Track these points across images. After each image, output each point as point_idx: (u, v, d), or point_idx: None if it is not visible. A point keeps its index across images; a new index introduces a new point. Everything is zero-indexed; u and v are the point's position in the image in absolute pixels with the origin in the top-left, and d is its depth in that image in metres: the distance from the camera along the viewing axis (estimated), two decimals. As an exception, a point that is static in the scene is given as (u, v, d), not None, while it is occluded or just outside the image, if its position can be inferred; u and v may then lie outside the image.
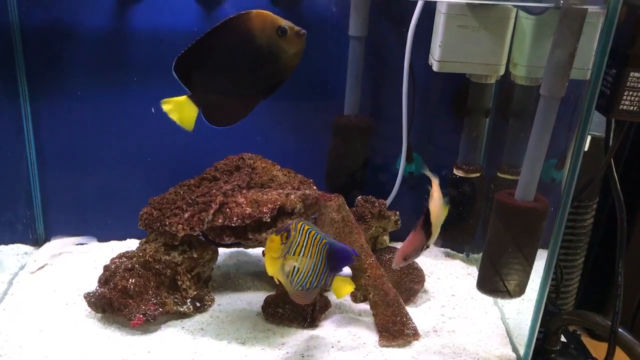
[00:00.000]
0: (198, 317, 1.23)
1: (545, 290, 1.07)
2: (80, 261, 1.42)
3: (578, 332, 1.36)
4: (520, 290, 1.14)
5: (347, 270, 1.16)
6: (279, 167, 1.34)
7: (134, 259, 1.21)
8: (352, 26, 1.32)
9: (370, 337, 1.19)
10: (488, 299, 1.34)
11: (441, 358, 1.15)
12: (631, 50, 0.92)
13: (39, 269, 1.37)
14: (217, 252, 1.30)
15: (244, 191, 1.22)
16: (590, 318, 1.20)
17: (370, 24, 1.33)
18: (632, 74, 0.93)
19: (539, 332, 1.21)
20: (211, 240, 1.24)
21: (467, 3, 1.18)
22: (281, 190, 1.23)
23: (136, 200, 1.27)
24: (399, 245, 1.47)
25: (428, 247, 1.06)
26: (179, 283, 1.22)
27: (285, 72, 0.97)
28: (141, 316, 1.15)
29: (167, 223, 1.18)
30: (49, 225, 1.49)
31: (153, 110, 1.32)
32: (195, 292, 1.24)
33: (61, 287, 1.31)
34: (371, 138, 1.45)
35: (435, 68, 1.26)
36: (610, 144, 1.07)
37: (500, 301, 1.33)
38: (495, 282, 1.13)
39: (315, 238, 0.99)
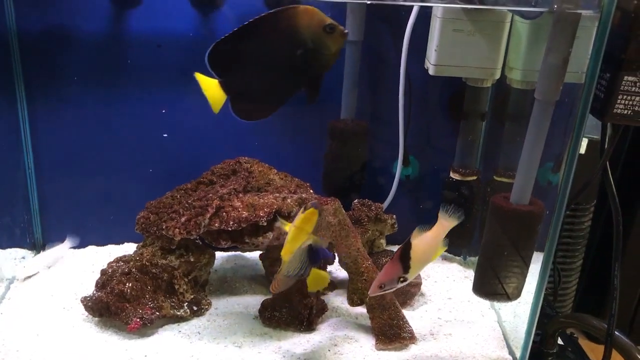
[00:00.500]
0: (195, 321, 1.23)
1: (541, 293, 1.08)
2: (77, 265, 1.42)
3: (575, 335, 1.36)
4: (516, 294, 1.14)
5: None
6: (276, 170, 1.34)
7: (131, 263, 1.21)
8: (348, 30, 1.32)
9: (367, 340, 1.20)
10: (485, 302, 1.34)
11: (438, 361, 1.15)
12: (625, 54, 0.92)
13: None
14: (214, 256, 1.30)
15: (241, 195, 1.22)
16: (587, 321, 1.21)
17: (367, 28, 1.33)
18: (626, 77, 0.93)
19: (536, 334, 1.22)
20: (208, 244, 1.25)
21: (462, 7, 1.19)
22: (278, 194, 1.24)
23: (133, 204, 1.27)
24: (395, 248, 1.48)
25: (405, 280, 1.02)
26: (176, 287, 1.22)
27: (323, 69, 0.97)
28: (138, 320, 1.15)
29: (164, 227, 1.18)
30: (47, 229, 1.49)
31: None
32: (192, 296, 1.25)
33: (58, 291, 1.31)
34: (368, 142, 1.45)
35: (431, 72, 1.27)
36: (606, 147, 1.07)
37: (496, 304, 1.33)
38: (491, 285, 1.13)
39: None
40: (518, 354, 1.16)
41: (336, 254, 1.27)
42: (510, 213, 1.07)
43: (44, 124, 1.40)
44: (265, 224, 1.19)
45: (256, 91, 0.99)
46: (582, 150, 1.43)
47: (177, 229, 1.17)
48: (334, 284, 1.37)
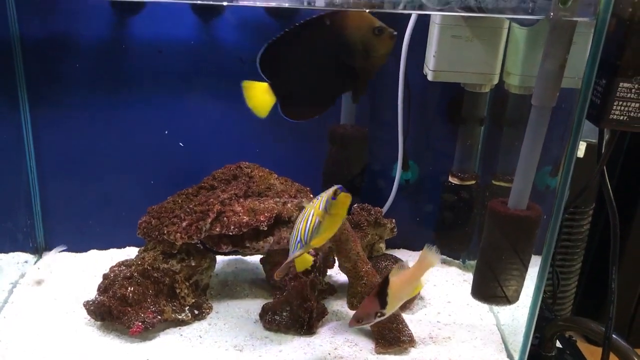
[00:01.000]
0: (196, 325, 1.24)
1: (539, 297, 1.08)
2: (80, 269, 1.43)
3: (574, 338, 1.37)
4: (515, 297, 1.15)
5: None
6: (276, 175, 1.35)
7: (133, 268, 1.22)
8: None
9: (367, 344, 1.20)
10: (483, 306, 1.35)
11: (437, 364, 1.16)
12: (620, 61, 0.93)
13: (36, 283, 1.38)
14: (215, 260, 1.31)
15: (241, 200, 1.23)
16: (585, 324, 1.21)
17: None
18: (621, 84, 0.94)
19: (535, 338, 1.23)
20: (209, 248, 1.26)
21: (460, 15, 1.20)
22: (278, 199, 1.25)
23: (135, 209, 1.28)
24: (395, 252, 1.50)
25: (382, 315, 1.03)
26: (177, 291, 1.23)
27: (372, 70, 0.98)
28: (140, 324, 1.16)
29: (165, 232, 1.19)
30: (49, 234, 1.50)
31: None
32: (193, 300, 1.25)
33: (61, 295, 1.32)
34: (367, 146, 1.46)
35: (429, 77, 1.28)
36: (603, 151, 1.08)
37: (495, 308, 1.34)
38: (489, 289, 1.14)
39: (308, 220, 0.97)
40: (516, 357, 1.17)
41: (336, 258, 1.28)
42: (508, 218, 1.08)
43: (47, 128, 1.41)
44: (265, 228, 1.20)
45: (305, 92, 1.00)
46: (581, 154, 1.45)
47: (178, 234, 1.18)
48: (334, 288, 1.38)
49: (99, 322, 1.22)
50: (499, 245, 1.10)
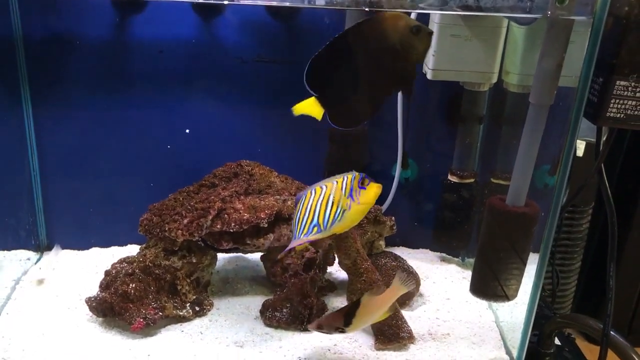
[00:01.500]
0: (197, 321, 1.25)
1: (537, 294, 1.09)
2: (82, 266, 1.45)
3: (573, 336, 1.38)
4: (513, 294, 1.15)
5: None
6: (277, 173, 1.36)
7: (135, 264, 1.23)
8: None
9: (366, 340, 1.21)
10: (482, 303, 1.36)
11: (436, 361, 1.17)
12: (617, 59, 0.94)
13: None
14: (216, 257, 1.33)
15: (242, 197, 1.24)
16: (583, 321, 1.22)
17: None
18: (618, 82, 0.95)
19: (534, 335, 1.23)
20: (210, 245, 1.27)
21: (459, 14, 1.21)
22: (278, 197, 1.26)
23: (137, 206, 1.29)
24: (394, 250, 1.51)
25: (343, 332, 1.06)
26: (179, 287, 1.24)
27: (413, 69, 1.00)
28: (141, 320, 1.17)
29: (166, 229, 1.20)
30: (51, 231, 1.51)
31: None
32: (194, 297, 1.27)
33: (63, 291, 1.33)
34: (367, 145, 1.47)
35: (429, 76, 1.29)
36: (601, 150, 1.09)
37: (494, 305, 1.35)
38: (488, 285, 1.15)
39: (329, 205, 0.96)
40: (515, 354, 1.18)
41: (336, 255, 1.29)
42: (506, 214, 1.08)
43: (49, 127, 1.42)
44: (266, 225, 1.21)
45: (351, 101, 1.02)
46: (580, 153, 1.45)
47: (179, 231, 1.19)
48: (333, 285, 1.39)
49: (100, 319, 1.23)
50: (497, 242, 1.11)
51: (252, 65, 1.40)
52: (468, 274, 1.50)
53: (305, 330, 1.23)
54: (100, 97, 1.41)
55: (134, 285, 1.19)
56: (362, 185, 0.95)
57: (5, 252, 1.45)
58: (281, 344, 1.19)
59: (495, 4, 1.00)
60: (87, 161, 1.46)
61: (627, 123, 0.98)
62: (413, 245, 1.61)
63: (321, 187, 0.97)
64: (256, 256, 1.44)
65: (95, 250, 1.53)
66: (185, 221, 1.19)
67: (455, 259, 1.58)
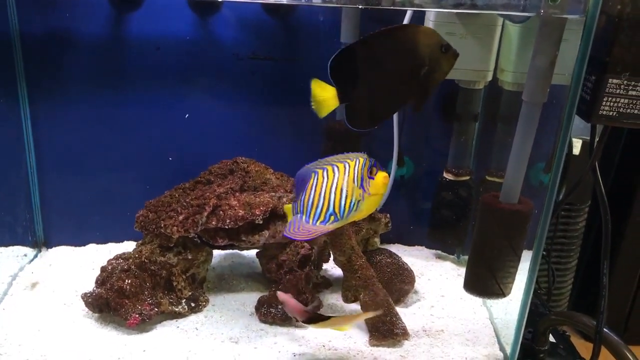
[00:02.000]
0: (193, 317, 1.26)
1: (530, 291, 1.10)
2: (78, 263, 1.45)
3: (567, 333, 1.38)
4: (506, 291, 1.16)
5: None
6: (272, 170, 1.36)
7: (131, 260, 1.23)
8: (343, 33, 1.35)
9: (361, 336, 1.22)
10: (477, 300, 1.36)
11: (429, 357, 1.17)
12: (609, 57, 0.95)
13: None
14: (211, 253, 1.33)
15: (237, 194, 1.25)
16: (577, 318, 1.22)
17: (361, 31, 1.36)
18: (610, 80, 0.96)
19: (529, 332, 1.24)
20: (205, 242, 1.27)
21: (454, 12, 1.21)
22: (273, 193, 1.26)
23: (133, 203, 1.30)
24: (389, 247, 1.51)
25: (297, 321, 1.11)
26: (174, 284, 1.25)
27: (433, 86, 1.01)
28: (137, 316, 1.18)
29: (162, 225, 1.21)
30: (48, 227, 1.52)
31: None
32: (190, 293, 1.27)
33: (59, 287, 1.34)
34: (362, 142, 1.47)
35: (424, 74, 1.29)
36: (595, 147, 1.09)
37: (488, 302, 1.36)
38: (481, 282, 1.16)
39: (343, 195, 0.96)
40: (509, 350, 1.18)
41: (331, 252, 1.29)
42: (499, 211, 1.09)
43: (46, 123, 1.43)
44: (261, 222, 1.21)
45: (369, 102, 1.02)
46: (577, 151, 1.46)
47: (175, 227, 1.19)
48: (329, 282, 1.39)
49: (96, 314, 1.23)
50: (491, 238, 1.11)
51: (247, 62, 1.40)
52: (463, 271, 1.48)
53: (300, 326, 1.23)
54: (98, 94, 1.41)
55: (129, 281, 1.20)
56: (370, 175, 0.96)
57: (2, 248, 1.46)
58: (276, 339, 1.20)
59: (489, 2, 1.00)
60: (84, 158, 1.46)
61: (620, 121, 0.99)
62: (408, 242, 1.61)
63: (333, 171, 0.97)
64: (252, 253, 1.45)
65: (91, 247, 1.53)
66: (181, 217, 1.20)
67: (451, 257, 1.58)
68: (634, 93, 0.96)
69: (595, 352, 1.18)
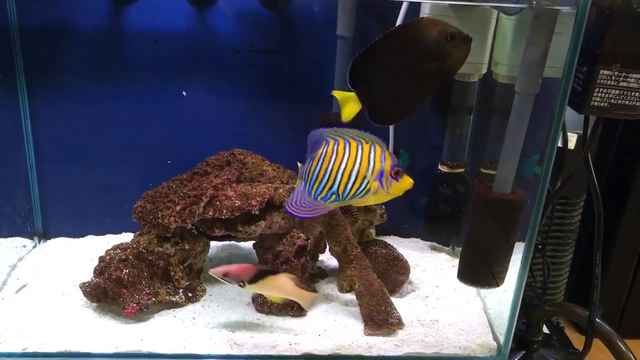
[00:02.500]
0: (190, 307, 1.27)
1: (523, 281, 1.11)
2: (77, 253, 1.46)
3: (562, 325, 1.40)
4: (499, 280, 1.17)
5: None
6: (269, 162, 1.37)
7: (128, 251, 1.24)
8: (339, 26, 1.35)
9: (356, 325, 1.23)
10: (471, 290, 1.38)
11: (424, 346, 1.19)
12: (600, 49, 0.96)
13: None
14: (208, 244, 1.34)
15: (234, 185, 1.26)
16: (570, 309, 1.24)
17: (357, 24, 1.37)
18: (602, 71, 0.97)
19: (522, 323, 1.25)
20: (202, 232, 1.28)
21: (449, 4, 1.22)
22: (270, 184, 1.27)
23: (132, 195, 1.31)
24: (385, 238, 1.52)
25: (243, 286, 1.13)
26: (172, 274, 1.26)
27: (448, 74, 1.02)
28: (135, 305, 1.19)
29: (159, 215, 1.22)
30: (47, 219, 1.53)
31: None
32: (187, 283, 1.28)
33: (58, 277, 1.35)
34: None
35: (419, 67, 1.30)
36: (587, 138, 1.11)
37: (482, 292, 1.37)
38: (474, 272, 1.17)
39: (352, 177, 0.96)
40: (502, 339, 1.20)
41: (327, 243, 1.31)
42: (492, 202, 1.10)
43: (45, 115, 1.44)
44: (257, 212, 1.22)
45: (389, 100, 1.05)
46: (572, 145, 1.47)
47: (172, 217, 1.21)
48: (325, 272, 1.41)
49: (94, 304, 1.25)
50: (484, 228, 1.13)
51: (244, 55, 1.41)
52: (457, 262, 1.51)
53: (296, 315, 1.25)
54: (96, 86, 1.42)
55: (127, 271, 1.21)
56: (395, 176, 0.96)
57: (2, 239, 1.46)
58: (272, 329, 1.21)
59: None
60: (83, 150, 1.47)
61: (611, 112, 1.00)
62: (404, 234, 1.62)
63: (344, 148, 0.97)
64: (249, 244, 1.46)
65: (90, 238, 1.55)
66: (178, 208, 1.21)
67: (446, 248, 1.60)
68: (624, 84, 0.98)
69: (587, 342, 1.19)
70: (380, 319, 1.21)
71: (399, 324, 1.22)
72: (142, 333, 1.18)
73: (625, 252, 1.70)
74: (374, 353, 1.16)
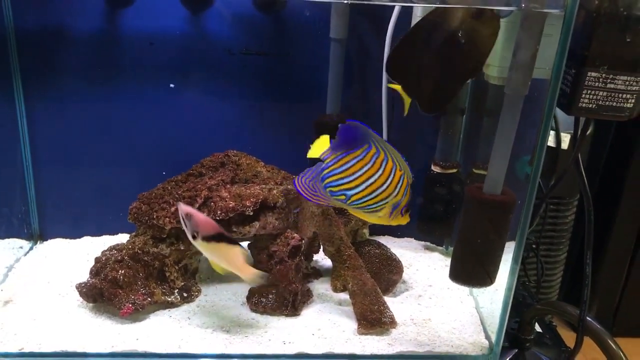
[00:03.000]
0: (185, 307, 1.28)
1: (514, 280, 1.12)
2: (73, 254, 1.47)
3: (554, 324, 1.41)
4: (489, 280, 1.18)
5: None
6: (263, 163, 1.39)
7: (124, 251, 1.25)
8: (332, 29, 1.37)
9: (349, 324, 1.24)
10: (463, 290, 1.39)
11: (416, 345, 1.20)
12: (588, 52, 0.97)
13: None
14: (203, 245, 1.35)
15: (228, 186, 1.27)
16: (562, 307, 1.25)
17: (350, 27, 1.38)
18: (589, 73, 0.98)
19: (515, 322, 1.27)
20: (198, 233, 1.29)
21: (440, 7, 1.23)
22: (264, 185, 1.28)
23: (127, 196, 1.32)
24: (379, 238, 1.53)
25: (195, 238, 1.08)
26: (167, 274, 1.27)
27: (482, 54, 1.04)
28: (130, 305, 1.20)
29: (155, 217, 1.23)
30: (44, 220, 1.54)
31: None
32: (182, 283, 1.30)
33: (54, 278, 1.36)
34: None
35: (412, 69, 1.31)
36: (577, 139, 1.12)
37: (475, 291, 1.38)
38: (465, 271, 1.18)
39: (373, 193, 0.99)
40: (494, 338, 1.21)
41: (320, 244, 1.32)
42: (483, 202, 1.12)
43: (41, 117, 1.45)
44: (251, 213, 1.23)
45: (431, 87, 1.07)
46: (565, 146, 1.48)
47: (167, 218, 1.22)
48: (319, 272, 1.42)
49: (90, 304, 1.25)
50: (474, 229, 1.14)
51: (240, 58, 1.42)
52: (450, 262, 1.53)
53: (290, 315, 1.26)
54: (92, 88, 1.43)
55: (123, 271, 1.22)
56: (403, 212, 1.02)
57: (-2, 240, 1.48)
58: (266, 328, 1.22)
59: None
60: (79, 151, 1.48)
61: (599, 113, 1.02)
62: (396, 234, 1.64)
63: (381, 165, 0.97)
64: (243, 245, 1.46)
65: (86, 239, 1.55)
66: (173, 209, 1.22)
67: (439, 248, 1.61)
68: (612, 86, 0.99)
69: (578, 340, 1.21)
70: (374, 318, 1.22)
71: (392, 323, 1.23)
72: (138, 333, 1.19)
73: (618, 251, 1.72)
74: (367, 352, 1.17)
